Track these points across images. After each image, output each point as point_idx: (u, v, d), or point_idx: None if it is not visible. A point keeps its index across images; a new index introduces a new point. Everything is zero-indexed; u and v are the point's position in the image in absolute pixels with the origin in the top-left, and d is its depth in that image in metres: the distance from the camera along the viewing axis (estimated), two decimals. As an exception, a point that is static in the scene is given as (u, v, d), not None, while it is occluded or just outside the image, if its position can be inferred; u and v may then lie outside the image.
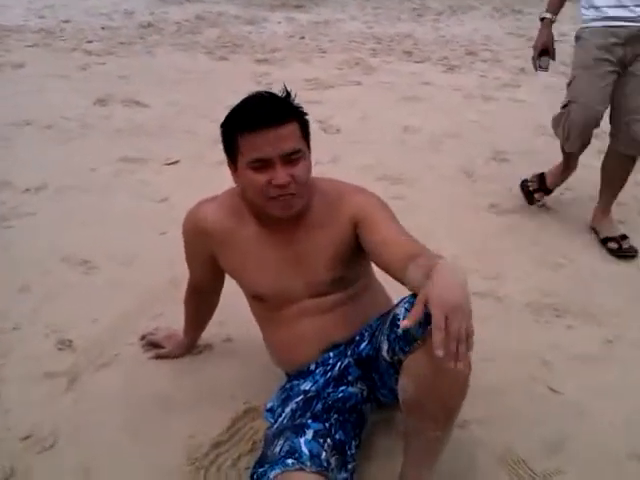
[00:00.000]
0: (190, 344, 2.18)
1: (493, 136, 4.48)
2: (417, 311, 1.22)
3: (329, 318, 1.71)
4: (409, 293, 1.43)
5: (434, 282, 1.22)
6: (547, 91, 5.75)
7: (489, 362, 2.14)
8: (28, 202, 3.26)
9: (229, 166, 1.62)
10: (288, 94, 1.57)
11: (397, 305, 1.47)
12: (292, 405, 1.67)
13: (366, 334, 1.69)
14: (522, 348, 2.28)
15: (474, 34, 8.48)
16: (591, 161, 3.52)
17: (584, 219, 3.24)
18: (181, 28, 8.29)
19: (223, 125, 1.57)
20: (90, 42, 7.12)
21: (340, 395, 1.68)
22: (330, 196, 1.67)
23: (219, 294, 2.02)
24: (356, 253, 1.66)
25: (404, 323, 1.25)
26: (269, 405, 1.77)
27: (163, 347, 2.18)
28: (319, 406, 1.64)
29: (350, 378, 1.70)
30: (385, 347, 1.47)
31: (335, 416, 1.61)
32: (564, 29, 9.30)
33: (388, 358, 1.47)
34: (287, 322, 1.73)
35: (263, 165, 1.51)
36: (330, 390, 1.69)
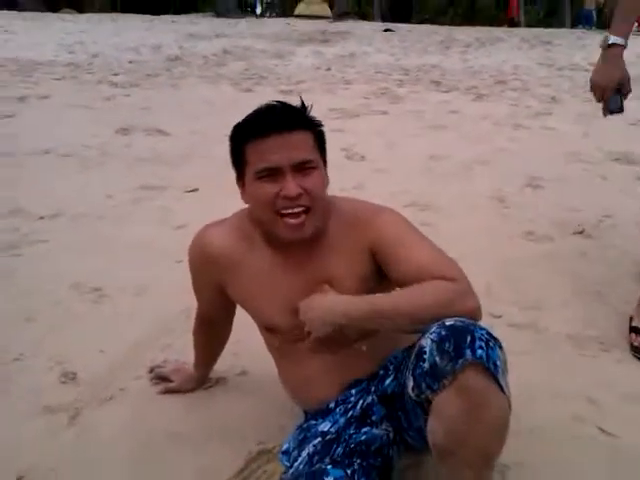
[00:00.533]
0: (201, 378, 2.01)
1: (525, 163, 4.31)
2: None
3: (350, 353, 1.52)
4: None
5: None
6: (580, 119, 5.61)
7: (529, 400, 1.94)
8: (41, 229, 3.17)
9: (237, 183, 1.49)
10: (303, 105, 1.43)
11: (422, 336, 1.29)
12: (309, 448, 1.49)
13: (391, 367, 1.51)
14: (566, 385, 2.06)
15: (503, 65, 8.39)
16: (631, 186, 3.33)
17: (624, 247, 3.06)
18: (208, 61, 8.34)
19: (231, 136, 1.44)
20: (116, 75, 7.17)
21: (363, 437, 1.48)
22: (348, 217, 1.51)
23: (230, 325, 1.87)
24: (379, 279, 1.50)
25: None
26: (285, 447, 1.59)
27: (172, 381, 2.01)
28: (340, 450, 1.46)
29: (374, 418, 1.51)
30: (410, 384, 1.29)
31: (358, 461, 1.43)
32: (594, 58, 9.18)
33: (414, 396, 1.29)
34: (303, 356, 1.55)
35: (272, 175, 1.37)
36: (352, 431, 1.50)
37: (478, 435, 1.18)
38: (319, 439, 1.50)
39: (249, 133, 1.38)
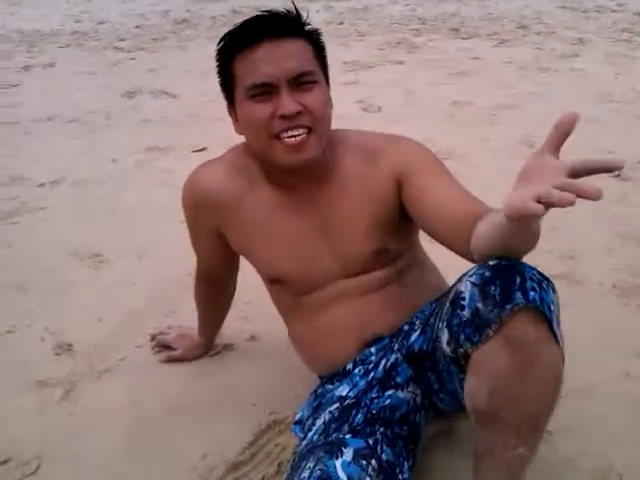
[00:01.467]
0: (206, 344, 1.83)
1: (554, 106, 4.01)
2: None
3: (369, 303, 1.33)
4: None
5: None
6: (610, 59, 5.27)
7: (572, 358, 1.69)
8: (41, 196, 3.00)
9: (228, 111, 1.27)
10: (298, 13, 1.21)
11: (459, 280, 1.07)
12: (325, 416, 1.30)
13: (417, 322, 1.30)
14: (611, 339, 1.85)
15: (524, 9, 7.94)
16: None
17: (669, 187, 2.77)
18: (216, 22, 8.03)
19: (218, 50, 1.22)
20: (123, 40, 6.93)
21: (387, 402, 1.29)
22: (364, 148, 1.30)
23: (235, 281, 1.67)
24: (400, 218, 1.28)
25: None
26: (298, 416, 1.41)
27: (175, 348, 1.83)
28: (360, 417, 1.27)
29: (399, 380, 1.31)
30: (445, 337, 1.08)
31: (381, 429, 1.24)
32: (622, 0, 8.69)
33: (450, 352, 1.08)
34: (316, 310, 1.36)
35: (265, 92, 1.16)
36: (373, 395, 1.31)
37: (529, 395, 0.99)
38: (336, 405, 1.31)
39: (237, 43, 1.17)
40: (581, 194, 0.77)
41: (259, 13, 1.19)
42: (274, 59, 1.15)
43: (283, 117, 1.16)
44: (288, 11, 1.20)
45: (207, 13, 8.81)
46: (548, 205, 0.77)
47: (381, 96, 4.38)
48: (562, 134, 0.86)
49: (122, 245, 2.48)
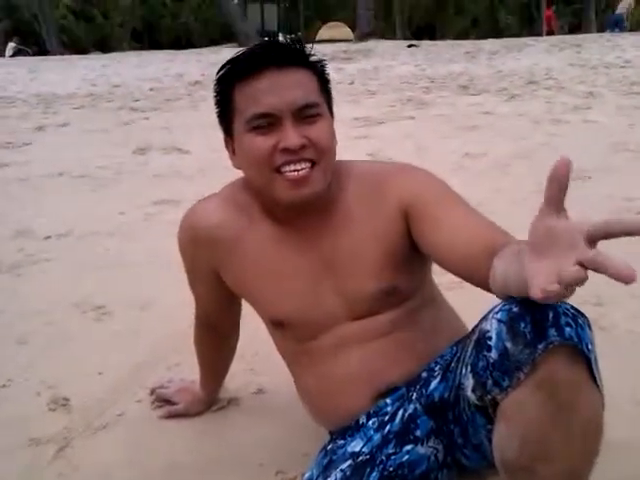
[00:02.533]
0: (209, 398, 1.71)
1: (569, 156, 3.95)
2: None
3: (380, 348, 1.22)
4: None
5: None
6: (620, 111, 5.28)
7: (609, 411, 1.58)
8: (47, 249, 2.95)
9: (226, 145, 1.21)
10: (299, 40, 1.16)
11: (484, 318, 0.97)
12: (337, 474, 1.18)
13: (437, 368, 1.19)
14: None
15: (533, 67, 8.06)
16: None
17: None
18: (228, 83, 8.20)
19: (217, 79, 1.16)
20: (137, 101, 7.05)
21: (405, 458, 1.17)
22: (369, 179, 1.22)
23: (237, 327, 1.57)
24: (410, 254, 1.19)
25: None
26: (307, 475, 1.29)
27: (176, 403, 1.72)
28: (375, 475, 1.15)
29: (418, 433, 1.19)
30: (470, 383, 0.97)
31: (399, 490, 1.11)
32: (628, 56, 8.81)
33: (475, 399, 0.97)
34: (323, 358, 1.26)
35: (267, 124, 1.09)
36: (390, 451, 1.19)
37: (566, 446, 0.87)
38: (349, 462, 1.19)
39: (239, 72, 1.11)
40: (612, 275, 0.68)
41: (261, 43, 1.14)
42: (277, 90, 1.09)
43: (286, 150, 1.09)
44: (292, 40, 1.15)
45: (220, 75, 9.01)
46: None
47: (392, 149, 4.36)
48: (560, 187, 0.76)
49: (125, 297, 2.40)
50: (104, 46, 25.98)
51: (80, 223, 3.27)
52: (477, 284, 1.01)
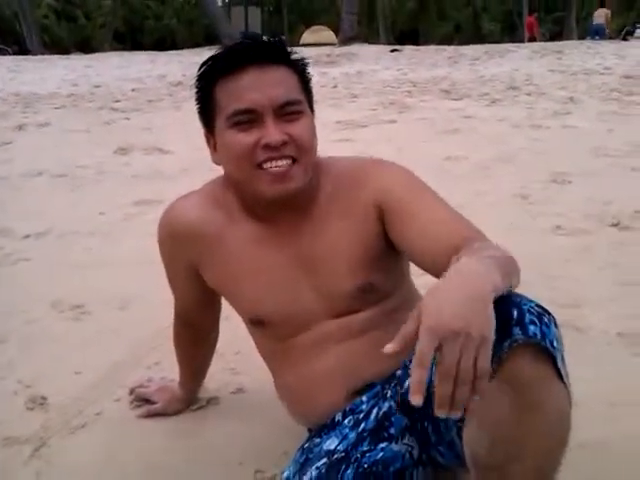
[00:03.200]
0: (188, 397, 1.70)
1: (548, 160, 4.02)
2: (404, 334, 0.83)
3: (358, 346, 1.23)
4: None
5: (436, 289, 0.85)
6: (602, 117, 5.35)
7: (580, 411, 1.60)
8: (25, 248, 2.93)
9: (207, 141, 1.21)
10: (280, 40, 1.16)
11: None
12: (312, 472, 1.18)
13: (411, 366, 1.19)
14: (622, 390, 1.73)
15: (514, 73, 8.15)
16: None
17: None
18: (211, 85, 8.18)
19: (198, 76, 1.16)
20: (118, 101, 7.02)
21: (379, 456, 1.17)
22: (345, 175, 1.23)
23: (216, 325, 1.57)
24: (388, 251, 1.20)
25: (388, 348, 0.85)
26: (285, 474, 1.29)
27: (155, 402, 1.71)
28: (350, 472, 1.15)
29: (393, 431, 1.20)
30: None
31: (374, 487, 1.11)
32: (608, 63, 8.93)
33: None
34: (301, 356, 1.26)
35: (249, 120, 1.10)
36: (365, 449, 1.19)
37: (534, 444, 0.88)
38: (324, 460, 1.19)
39: (220, 69, 1.12)
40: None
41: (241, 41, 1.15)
42: (259, 86, 1.10)
43: (267, 147, 1.10)
44: (273, 39, 1.16)
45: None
46: None
47: (374, 152, 4.35)
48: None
49: (104, 296, 2.39)
50: (86, 47, 25.78)
51: (59, 222, 3.25)
52: None
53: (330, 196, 1.22)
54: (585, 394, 1.64)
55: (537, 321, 0.90)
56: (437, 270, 1.03)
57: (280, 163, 1.10)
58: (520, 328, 0.88)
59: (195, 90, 1.19)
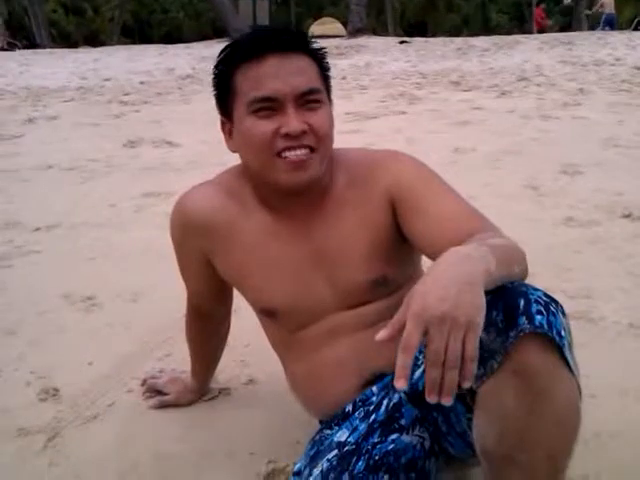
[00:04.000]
0: (200, 388, 1.71)
1: (559, 151, 4.00)
2: (395, 321, 0.86)
3: (369, 338, 1.21)
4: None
5: (426, 275, 0.88)
6: (611, 107, 5.30)
7: (592, 399, 1.61)
8: (36, 240, 2.93)
9: (222, 128, 1.21)
10: (302, 32, 1.17)
11: None
12: (323, 464, 1.18)
13: (421, 357, 1.18)
14: (633, 380, 1.73)
15: (524, 64, 8.09)
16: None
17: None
18: (220, 77, 8.17)
19: (218, 62, 1.16)
20: (127, 94, 7.02)
21: (391, 447, 1.17)
22: (360, 168, 1.23)
23: (228, 315, 1.57)
24: (400, 243, 1.20)
25: (380, 335, 0.86)
26: (297, 466, 1.29)
27: (167, 393, 1.72)
28: (361, 464, 1.15)
29: (403, 422, 1.20)
30: None
31: (385, 478, 1.12)
32: (619, 54, 8.85)
33: None
34: (312, 347, 1.26)
35: (270, 108, 1.10)
36: (376, 440, 1.19)
37: (543, 433, 0.88)
38: (335, 452, 1.19)
39: (241, 55, 1.11)
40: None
41: (262, 25, 1.15)
42: (281, 74, 1.10)
43: (287, 136, 1.09)
44: (292, 26, 1.16)
45: (211, 69, 8.95)
46: None
47: (384, 143, 4.36)
48: None
49: (116, 288, 2.40)
50: (94, 41, 25.78)
51: (70, 215, 3.26)
52: None
53: (344, 188, 1.21)
54: (598, 384, 1.66)
55: (544, 311, 0.90)
56: None
57: (299, 152, 1.10)
58: (526, 318, 0.88)
59: (213, 75, 1.19)
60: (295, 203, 1.20)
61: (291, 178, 1.12)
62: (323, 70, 1.17)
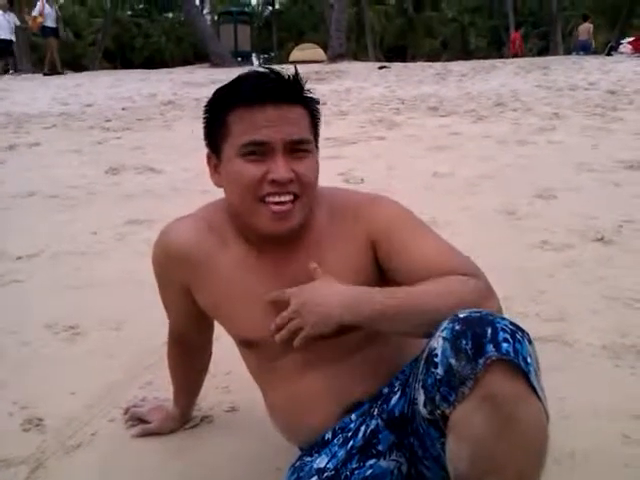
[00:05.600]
0: (182, 415, 1.73)
1: (534, 175, 4.09)
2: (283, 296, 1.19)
3: (346, 367, 1.27)
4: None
5: (323, 286, 1.17)
6: (586, 132, 5.43)
7: (566, 420, 1.66)
8: (18, 270, 2.93)
9: (208, 161, 1.25)
10: (298, 76, 1.20)
11: (432, 336, 1.03)
12: (304, 491, 1.21)
13: (397, 384, 1.24)
14: (605, 401, 1.78)
15: (501, 89, 8.25)
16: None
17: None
18: (201, 103, 8.19)
19: (211, 101, 1.21)
20: (109, 121, 7.04)
21: (368, 472, 1.21)
22: (340, 207, 1.28)
23: (209, 344, 1.61)
24: (378, 280, 1.24)
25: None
26: (277, 493, 1.31)
27: (150, 421, 1.73)
28: (340, 490, 1.17)
29: (381, 447, 1.23)
30: (422, 398, 1.03)
31: (364, 503, 1.15)
32: (593, 79, 9.07)
33: (426, 414, 1.03)
34: (291, 376, 1.30)
35: (259, 153, 1.14)
36: (354, 466, 1.22)
37: (513, 455, 0.92)
38: (315, 478, 1.22)
39: (239, 98, 1.16)
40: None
41: (264, 70, 1.19)
42: (276, 122, 1.14)
43: (274, 182, 1.14)
44: (290, 76, 1.20)
45: (192, 96, 9.03)
46: None
47: (363, 169, 4.44)
48: None
49: (98, 317, 2.41)
50: (76, 65, 25.79)
51: (51, 243, 3.26)
52: None
53: (326, 226, 1.26)
54: (572, 405, 1.71)
55: (510, 339, 0.95)
56: None
57: (283, 198, 1.15)
58: (494, 345, 0.93)
59: (206, 110, 1.23)
60: (274, 240, 1.24)
61: (272, 227, 1.17)
62: (314, 119, 1.22)
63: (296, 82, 1.19)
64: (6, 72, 14.42)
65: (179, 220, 1.35)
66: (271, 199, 1.15)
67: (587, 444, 1.59)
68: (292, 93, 1.17)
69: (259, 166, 1.15)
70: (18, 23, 14.51)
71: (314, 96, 1.23)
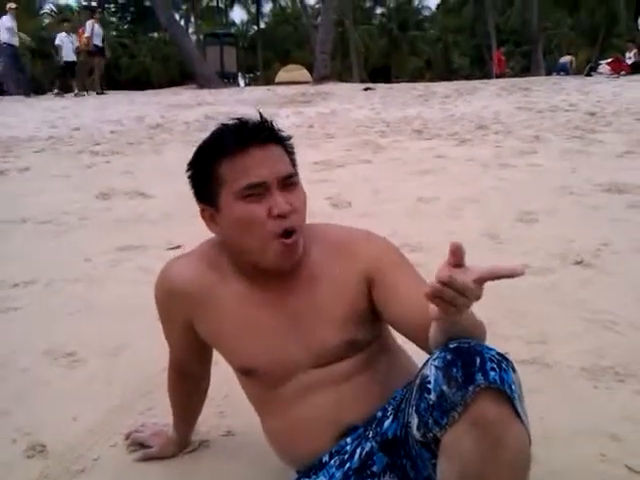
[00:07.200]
0: (182, 440, 1.80)
1: (516, 199, 4.21)
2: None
3: (342, 393, 1.36)
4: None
5: None
6: (564, 155, 5.57)
7: (546, 440, 1.75)
8: (14, 297, 2.99)
9: (202, 215, 1.35)
10: (265, 120, 1.32)
11: (425, 364, 1.13)
12: (301, 511, 1.29)
13: (390, 408, 1.33)
14: (584, 421, 1.88)
15: (483, 111, 8.42)
16: (623, 215, 3.22)
17: (627, 273, 2.93)
18: (190, 127, 8.33)
19: (196, 157, 1.31)
20: (98, 144, 7.11)
21: (364, 492, 1.29)
22: (333, 243, 1.39)
23: (208, 374, 1.69)
24: (370, 310, 1.35)
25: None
26: (275, 513, 1.39)
27: (151, 446, 1.81)
28: (337, 510, 1.26)
29: (375, 469, 1.31)
30: (415, 422, 1.11)
31: (360, 522, 1.23)
32: (573, 100, 9.28)
33: (420, 437, 1.11)
34: (288, 403, 1.38)
35: (257, 193, 1.25)
36: (350, 487, 1.30)
37: (499, 475, 1.01)
38: (313, 499, 1.30)
39: (225, 149, 1.26)
40: (507, 273, 1.01)
41: (235, 121, 1.29)
42: (265, 163, 1.25)
43: (279, 216, 1.24)
44: (264, 120, 1.31)
45: (180, 119, 9.13)
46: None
47: (350, 193, 4.55)
48: (458, 259, 1.02)
49: (97, 344, 2.47)
50: (62, 85, 25.79)
51: (46, 270, 3.31)
52: (420, 347, 1.23)
53: (319, 260, 1.36)
54: (552, 426, 1.81)
55: (497, 368, 1.05)
56: (415, 341, 1.25)
57: (294, 238, 1.26)
58: (482, 374, 1.03)
59: (190, 168, 1.32)
60: (271, 275, 1.33)
61: (282, 261, 1.28)
62: (291, 155, 1.33)
63: (269, 124, 1.30)
64: (68, 91, 14.77)
65: (178, 259, 1.44)
66: (287, 239, 1.25)
67: (567, 463, 1.68)
68: (269, 133, 1.29)
69: (260, 204, 1.25)
70: (77, 44, 14.82)
71: (286, 134, 1.34)
